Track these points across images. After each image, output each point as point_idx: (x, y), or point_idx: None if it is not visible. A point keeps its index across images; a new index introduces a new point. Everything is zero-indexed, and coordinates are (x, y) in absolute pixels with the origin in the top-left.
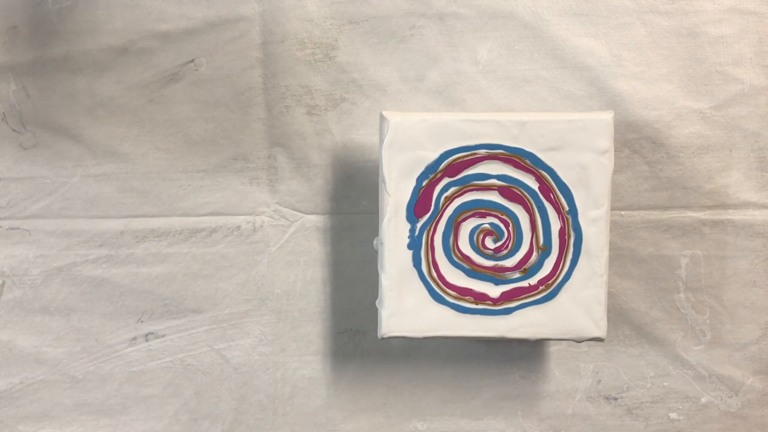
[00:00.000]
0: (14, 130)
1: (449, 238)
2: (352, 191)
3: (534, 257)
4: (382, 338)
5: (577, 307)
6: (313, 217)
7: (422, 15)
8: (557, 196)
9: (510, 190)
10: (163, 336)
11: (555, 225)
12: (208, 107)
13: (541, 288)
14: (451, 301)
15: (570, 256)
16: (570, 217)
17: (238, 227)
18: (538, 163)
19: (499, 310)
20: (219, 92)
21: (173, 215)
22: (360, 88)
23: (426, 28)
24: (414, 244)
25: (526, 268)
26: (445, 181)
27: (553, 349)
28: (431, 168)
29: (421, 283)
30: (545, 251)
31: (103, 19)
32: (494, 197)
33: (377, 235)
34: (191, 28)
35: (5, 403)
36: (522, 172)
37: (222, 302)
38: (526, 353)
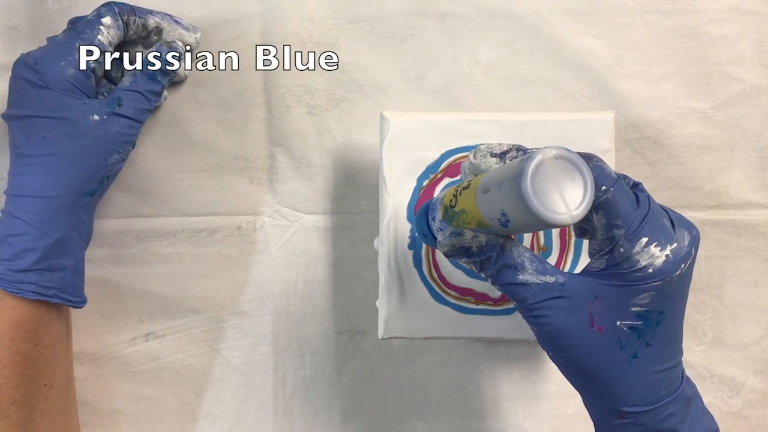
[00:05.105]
0: None
1: None
2: (352, 191)
3: None
4: (382, 339)
5: None
6: (313, 217)
7: (423, 15)
8: None
9: None
10: (163, 336)
11: None
12: (209, 107)
13: None
14: (452, 301)
15: (571, 256)
16: None
17: (239, 227)
18: None
19: (499, 310)
20: (219, 92)
21: (174, 215)
22: (360, 87)
23: (426, 27)
24: (415, 245)
25: None
26: (446, 181)
27: None
28: (432, 168)
29: (421, 284)
30: (546, 251)
31: None
32: None
33: (377, 235)
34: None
35: None
36: None
37: (222, 302)
38: (527, 353)
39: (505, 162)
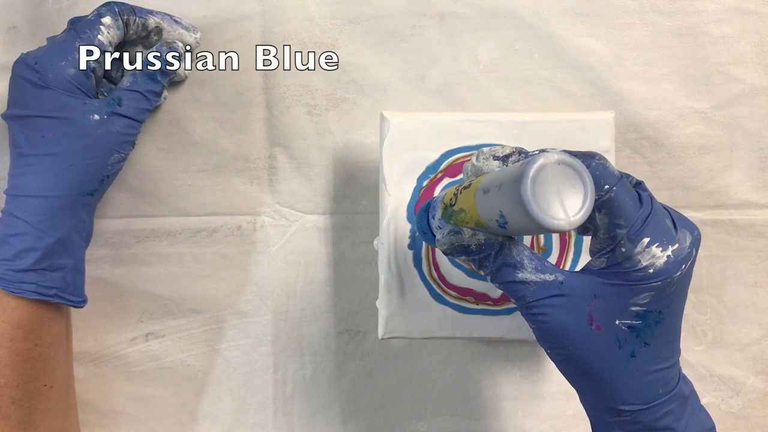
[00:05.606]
0: None
1: None
2: (352, 191)
3: None
4: (382, 339)
5: None
6: (313, 217)
7: (423, 15)
8: None
9: None
10: (163, 336)
11: None
12: (209, 107)
13: None
14: (452, 301)
15: (571, 256)
16: None
17: (239, 227)
18: None
19: (499, 310)
20: (220, 92)
21: (174, 215)
22: (360, 87)
23: (427, 27)
24: (415, 245)
25: None
26: (446, 181)
27: None
28: (432, 168)
29: (421, 284)
30: (546, 251)
31: None
32: None
33: (377, 235)
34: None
35: None
36: None
37: (222, 302)
38: (527, 353)
39: (507, 165)
